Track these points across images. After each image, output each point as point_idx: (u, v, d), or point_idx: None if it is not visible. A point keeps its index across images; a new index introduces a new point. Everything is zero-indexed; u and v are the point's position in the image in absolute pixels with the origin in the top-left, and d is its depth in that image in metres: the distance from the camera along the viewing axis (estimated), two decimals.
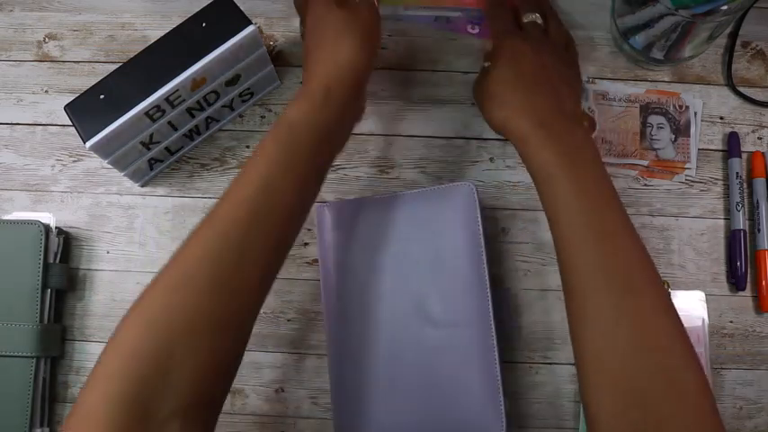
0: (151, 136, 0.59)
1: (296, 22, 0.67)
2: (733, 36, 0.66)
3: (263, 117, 0.66)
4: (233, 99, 0.63)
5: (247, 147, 0.66)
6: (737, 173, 0.62)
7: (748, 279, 0.61)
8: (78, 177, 0.65)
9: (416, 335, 0.56)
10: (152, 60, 0.56)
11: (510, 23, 0.58)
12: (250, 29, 0.57)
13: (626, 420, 0.42)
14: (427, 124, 0.65)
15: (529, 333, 0.61)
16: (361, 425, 0.56)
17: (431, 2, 0.64)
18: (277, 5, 0.68)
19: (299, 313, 0.62)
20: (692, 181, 0.64)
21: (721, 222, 0.63)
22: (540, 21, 0.58)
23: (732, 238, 0.62)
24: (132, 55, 0.57)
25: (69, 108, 0.55)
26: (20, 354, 0.58)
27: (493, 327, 0.55)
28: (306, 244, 0.63)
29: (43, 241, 0.60)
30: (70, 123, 0.55)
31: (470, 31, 0.65)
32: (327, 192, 0.64)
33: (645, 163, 0.64)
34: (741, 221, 0.61)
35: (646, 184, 0.64)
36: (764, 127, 0.65)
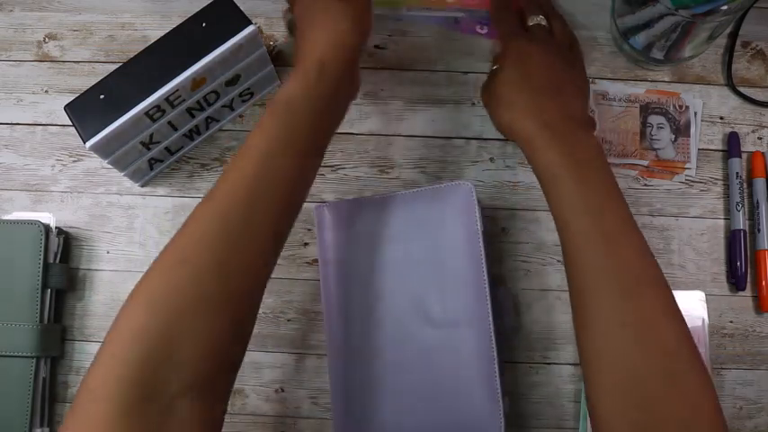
0: (151, 136, 0.59)
1: None
2: (733, 36, 0.66)
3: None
4: (233, 99, 0.63)
5: None
6: (737, 173, 0.62)
7: (748, 279, 0.61)
8: (78, 177, 0.65)
9: (416, 334, 0.56)
10: (152, 60, 0.56)
11: (516, 26, 0.58)
12: (250, 29, 0.57)
13: (631, 421, 0.42)
14: (427, 124, 0.66)
15: (529, 333, 0.61)
16: (360, 425, 0.56)
17: (432, 3, 0.64)
18: (277, 5, 0.68)
19: (299, 313, 0.62)
20: (692, 181, 0.64)
21: (721, 222, 0.63)
22: (544, 22, 0.59)
23: (732, 238, 0.62)
24: (132, 55, 0.57)
25: (69, 108, 0.55)
26: (20, 354, 0.58)
27: (492, 327, 0.55)
28: (306, 244, 0.63)
29: (43, 241, 0.60)
30: (70, 123, 0.55)
31: (479, 31, 0.65)
32: (327, 192, 0.64)
33: (645, 163, 0.64)
34: (741, 221, 0.61)
35: (646, 184, 0.64)
36: (764, 127, 0.65)
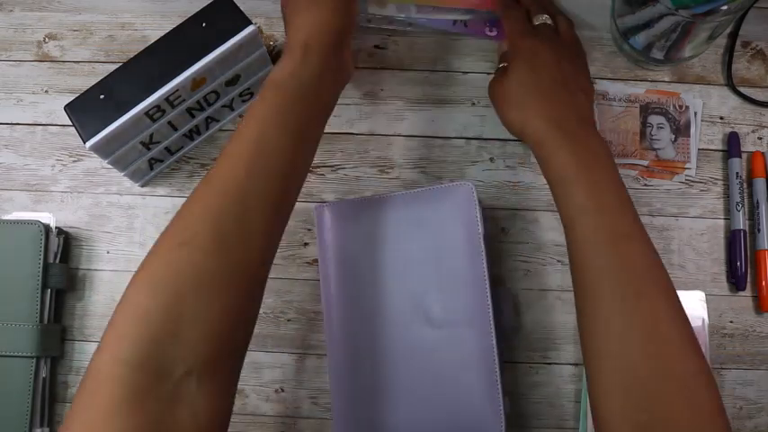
0: (151, 136, 0.59)
1: None
2: (733, 36, 0.66)
3: None
4: (233, 99, 0.63)
5: None
6: (737, 173, 0.62)
7: (748, 279, 0.61)
8: (78, 177, 0.65)
9: (416, 334, 0.56)
10: (152, 60, 0.56)
11: (525, 24, 0.59)
12: (250, 29, 0.57)
13: (634, 422, 0.42)
14: (427, 124, 0.65)
15: (529, 333, 0.61)
16: (360, 425, 0.56)
17: (441, 1, 0.64)
18: (277, 5, 0.68)
19: (299, 313, 0.62)
20: (692, 181, 0.64)
21: (721, 222, 0.63)
22: (550, 21, 0.59)
23: (732, 238, 0.62)
24: (132, 55, 0.57)
25: (69, 108, 0.55)
26: (20, 354, 0.58)
27: (492, 327, 0.55)
28: (306, 244, 0.63)
29: (43, 241, 0.60)
30: (70, 123, 0.55)
31: (488, 33, 0.64)
32: (327, 192, 0.64)
33: (645, 163, 0.64)
34: (741, 221, 0.61)
35: (646, 184, 0.64)
36: (764, 127, 0.65)
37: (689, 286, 0.61)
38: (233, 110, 0.65)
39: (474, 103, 0.65)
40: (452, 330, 0.55)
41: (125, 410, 0.38)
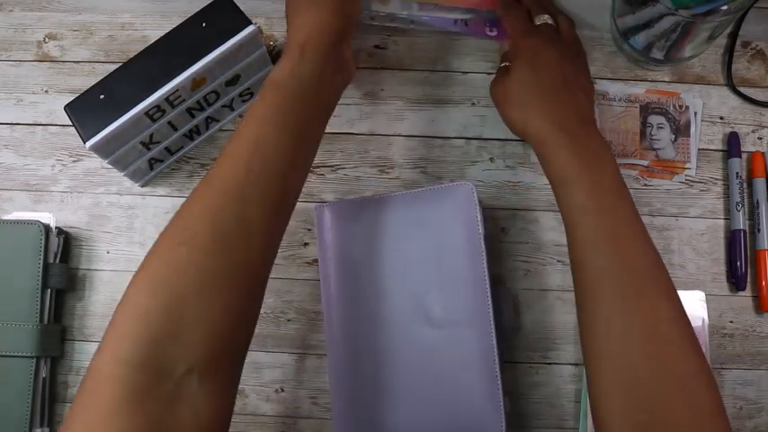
0: (151, 136, 0.59)
1: None
2: (733, 36, 0.66)
3: None
4: (233, 99, 0.63)
5: None
6: (737, 173, 0.62)
7: (748, 279, 0.61)
8: (78, 177, 0.65)
9: (416, 334, 0.56)
10: (152, 60, 0.56)
11: (527, 23, 0.59)
12: (250, 29, 0.57)
13: (634, 422, 0.42)
14: (427, 124, 0.65)
15: (529, 333, 0.61)
16: (360, 425, 0.56)
17: (443, 0, 0.64)
18: (277, 5, 0.68)
19: (299, 313, 0.62)
20: (692, 181, 0.64)
21: (721, 222, 0.63)
22: (551, 21, 0.59)
23: (732, 238, 0.62)
24: (132, 55, 0.57)
25: (69, 108, 0.55)
26: (20, 354, 0.58)
27: (493, 327, 0.55)
28: (306, 244, 0.63)
29: (43, 241, 0.60)
30: (70, 123, 0.55)
31: (489, 33, 0.64)
32: (327, 192, 0.64)
33: (645, 163, 0.64)
34: (741, 221, 0.61)
35: (646, 184, 0.64)
36: (764, 127, 0.64)
37: (689, 286, 0.61)
38: (233, 110, 0.65)
39: (474, 103, 0.65)
40: (452, 330, 0.55)
41: (125, 410, 0.37)
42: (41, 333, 0.58)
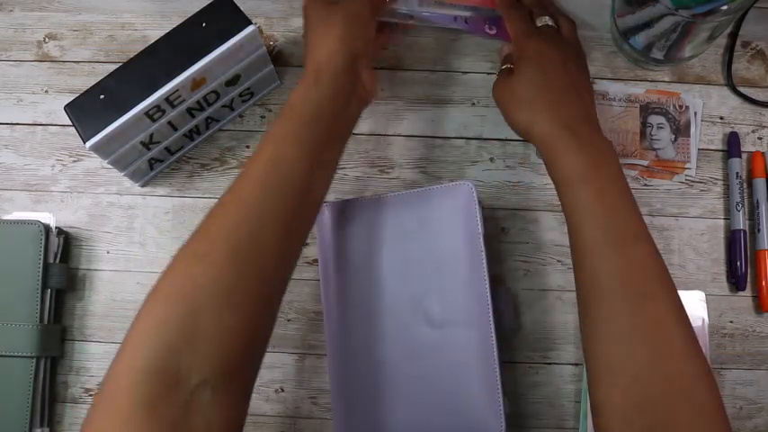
0: (151, 136, 0.59)
1: (296, 22, 0.68)
2: (733, 36, 0.66)
3: (263, 117, 0.66)
4: (233, 99, 0.63)
5: (247, 147, 0.66)
6: (737, 173, 0.62)
7: (748, 279, 0.61)
8: (78, 177, 0.65)
9: (416, 334, 0.56)
10: (152, 60, 0.56)
11: (529, 24, 0.58)
12: (250, 29, 0.57)
13: (636, 425, 0.42)
14: (427, 124, 0.66)
15: (529, 333, 0.61)
16: (360, 425, 0.56)
17: None
18: (277, 5, 0.68)
19: (299, 313, 0.62)
20: (692, 181, 0.64)
21: (721, 222, 0.63)
22: (551, 23, 0.59)
23: (732, 238, 0.62)
24: (132, 55, 0.57)
25: (69, 108, 0.55)
26: (20, 354, 0.58)
27: (492, 327, 0.55)
28: (306, 244, 0.63)
29: (43, 241, 0.60)
30: (70, 123, 0.55)
31: (488, 31, 0.64)
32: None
33: (645, 163, 0.64)
34: (741, 221, 0.61)
35: (646, 184, 0.64)
36: (764, 127, 0.65)
37: (689, 286, 0.61)
38: (233, 110, 0.65)
39: (474, 103, 0.65)
40: (452, 330, 0.55)
41: (141, 417, 0.38)
42: (41, 333, 0.58)
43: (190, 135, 0.64)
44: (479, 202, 0.58)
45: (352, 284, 0.58)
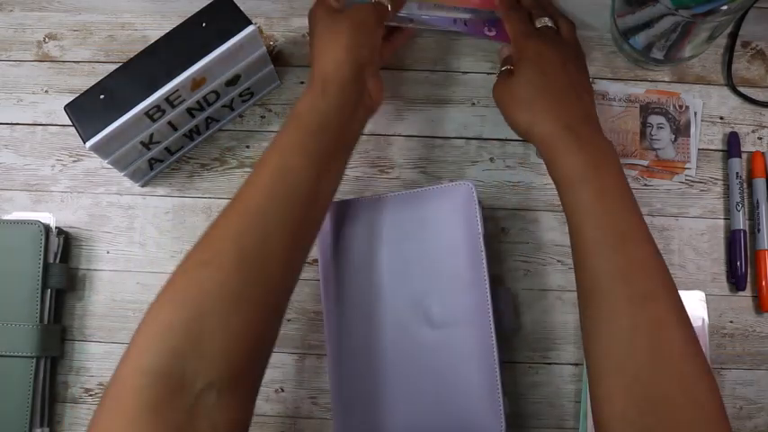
0: (151, 136, 0.59)
1: (296, 22, 0.68)
2: (733, 36, 0.66)
3: (263, 117, 0.66)
4: (233, 99, 0.63)
5: (247, 147, 0.66)
6: (737, 173, 0.62)
7: (748, 279, 0.61)
8: (78, 177, 0.65)
9: (416, 334, 0.56)
10: (152, 60, 0.56)
11: (529, 25, 0.59)
12: (250, 29, 0.57)
13: (638, 426, 0.42)
14: (427, 124, 0.66)
15: (529, 333, 0.61)
16: (360, 425, 0.56)
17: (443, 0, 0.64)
18: (277, 5, 0.68)
19: (299, 313, 0.62)
20: (692, 181, 0.64)
21: (721, 222, 0.63)
22: (551, 24, 0.59)
23: (732, 238, 0.62)
24: (132, 55, 0.57)
25: (69, 108, 0.55)
26: (20, 354, 0.58)
27: (492, 326, 0.55)
28: None
29: (43, 241, 0.60)
30: (70, 123, 0.55)
31: (487, 33, 0.64)
32: None
33: (645, 163, 0.64)
34: (741, 221, 0.61)
35: (646, 184, 0.64)
36: (764, 127, 0.65)
37: (689, 286, 0.61)
38: (233, 110, 0.65)
39: (474, 103, 0.65)
40: (452, 330, 0.55)
41: (146, 419, 0.39)
42: (41, 333, 0.58)
43: (190, 135, 0.64)
44: (479, 202, 0.58)
45: (352, 284, 0.58)
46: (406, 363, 0.56)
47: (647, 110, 0.65)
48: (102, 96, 0.55)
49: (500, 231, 0.63)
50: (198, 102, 0.60)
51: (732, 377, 0.60)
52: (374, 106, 0.56)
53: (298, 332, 0.62)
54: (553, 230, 0.63)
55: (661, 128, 0.64)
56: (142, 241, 0.64)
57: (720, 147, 0.64)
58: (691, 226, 0.63)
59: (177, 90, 0.56)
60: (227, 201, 0.63)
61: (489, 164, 0.64)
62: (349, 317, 0.58)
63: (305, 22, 0.58)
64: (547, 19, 0.59)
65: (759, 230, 0.61)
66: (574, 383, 0.60)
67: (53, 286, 0.60)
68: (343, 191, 0.64)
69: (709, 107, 0.65)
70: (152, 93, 0.55)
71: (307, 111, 0.51)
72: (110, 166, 0.59)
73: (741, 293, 0.61)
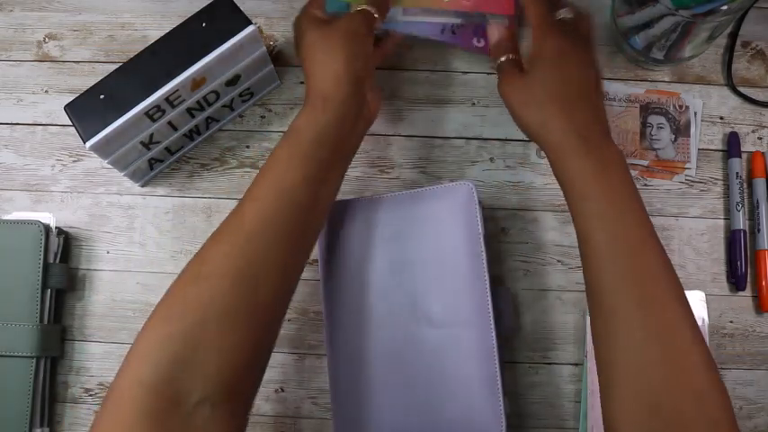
0: (151, 136, 0.59)
1: None
2: (733, 36, 0.66)
3: (263, 117, 0.66)
4: (233, 99, 0.63)
5: (247, 147, 0.66)
6: (737, 173, 0.62)
7: (748, 279, 0.61)
8: (78, 177, 0.65)
9: (416, 334, 0.56)
10: (152, 60, 0.56)
11: (549, 12, 0.55)
12: (250, 29, 0.57)
13: (648, 430, 0.42)
14: (427, 124, 0.66)
15: (529, 333, 0.61)
16: (360, 425, 0.56)
17: (430, 3, 0.62)
18: (277, 5, 0.68)
19: (299, 313, 0.62)
20: (692, 181, 0.64)
21: (721, 222, 0.63)
22: (570, 16, 0.55)
23: (732, 238, 0.62)
24: (132, 55, 0.57)
25: (69, 108, 0.55)
26: (20, 354, 0.58)
27: (492, 326, 0.55)
28: None
29: (43, 241, 0.60)
30: (70, 123, 0.55)
31: (476, 44, 0.63)
32: None
33: (645, 163, 0.64)
34: (741, 221, 0.61)
35: (646, 184, 0.64)
36: (764, 127, 0.65)
37: (689, 286, 0.61)
38: (233, 110, 0.65)
39: (474, 103, 0.65)
40: (452, 330, 0.55)
41: (144, 426, 0.40)
42: (41, 333, 0.58)
43: (190, 135, 0.64)
44: (479, 202, 0.58)
45: (352, 285, 0.58)
46: (406, 363, 0.56)
47: (647, 110, 0.65)
48: (102, 96, 0.55)
49: (500, 231, 0.63)
50: (198, 102, 0.60)
51: (732, 377, 0.60)
52: (372, 118, 0.56)
53: (298, 332, 0.62)
54: (553, 230, 0.63)
55: (661, 128, 0.64)
56: (142, 241, 0.64)
57: (720, 147, 0.64)
58: (691, 226, 0.63)
59: (177, 90, 0.56)
60: (227, 201, 0.64)
61: (489, 164, 0.64)
62: (349, 317, 0.58)
63: None
64: (567, 10, 0.55)
65: (759, 230, 0.61)
66: (574, 383, 0.60)
67: (53, 286, 0.60)
68: (344, 191, 0.63)
69: (709, 107, 0.65)
70: (152, 93, 0.55)
71: (307, 126, 0.51)
72: (110, 166, 0.59)
73: (741, 293, 0.61)
